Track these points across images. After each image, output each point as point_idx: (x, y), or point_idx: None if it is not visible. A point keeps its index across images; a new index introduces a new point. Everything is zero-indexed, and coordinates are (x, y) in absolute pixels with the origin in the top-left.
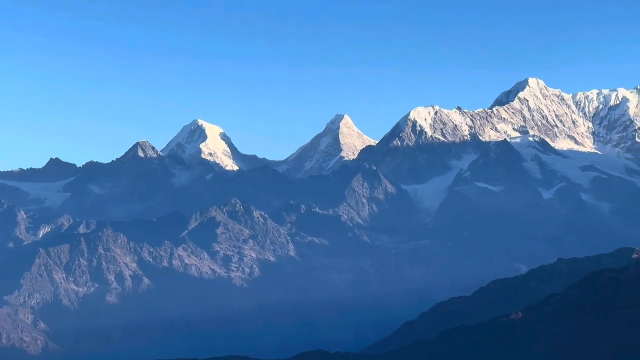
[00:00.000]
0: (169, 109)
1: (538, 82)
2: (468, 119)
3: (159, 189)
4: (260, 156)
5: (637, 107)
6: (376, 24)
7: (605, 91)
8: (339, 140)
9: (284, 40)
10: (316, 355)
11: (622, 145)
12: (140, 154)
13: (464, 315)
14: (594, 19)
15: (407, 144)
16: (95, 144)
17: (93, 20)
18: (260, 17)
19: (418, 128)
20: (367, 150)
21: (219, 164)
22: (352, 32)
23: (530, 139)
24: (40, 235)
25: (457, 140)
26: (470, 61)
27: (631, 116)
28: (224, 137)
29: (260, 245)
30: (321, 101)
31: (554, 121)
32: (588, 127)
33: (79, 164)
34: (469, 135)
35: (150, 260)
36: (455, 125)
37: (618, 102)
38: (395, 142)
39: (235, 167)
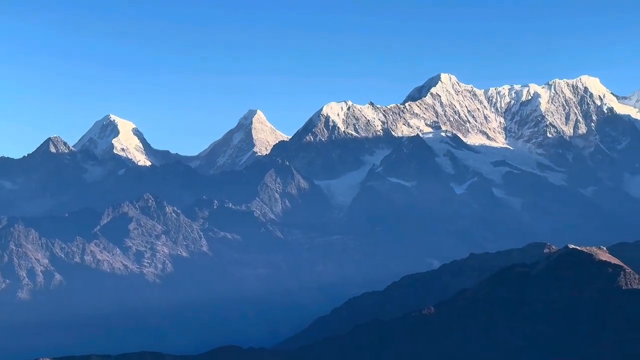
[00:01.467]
0: (81, 104)
1: (450, 78)
2: (381, 115)
3: (71, 185)
4: (173, 152)
5: (548, 102)
6: (289, 23)
7: (517, 87)
8: (251, 135)
9: (195, 37)
10: (229, 351)
11: (534, 140)
12: (52, 149)
13: (376, 310)
14: (506, 15)
15: (319, 139)
16: (7, 139)
17: (4, 16)
18: (171, 18)
19: (331, 123)
20: (280, 146)
21: (131, 159)
22: (266, 28)
23: (443, 134)
24: None
25: (370, 135)
26: (382, 57)
27: (542, 112)
28: (137, 133)
29: (172, 241)
30: (234, 97)
31: (466, 117)
32: (500, 122)
33: None
34: (381, 131)
35: (62, 256)
36: (368, 120)
37: (530, 97)
38: (308, 138)
39: (148, 163)
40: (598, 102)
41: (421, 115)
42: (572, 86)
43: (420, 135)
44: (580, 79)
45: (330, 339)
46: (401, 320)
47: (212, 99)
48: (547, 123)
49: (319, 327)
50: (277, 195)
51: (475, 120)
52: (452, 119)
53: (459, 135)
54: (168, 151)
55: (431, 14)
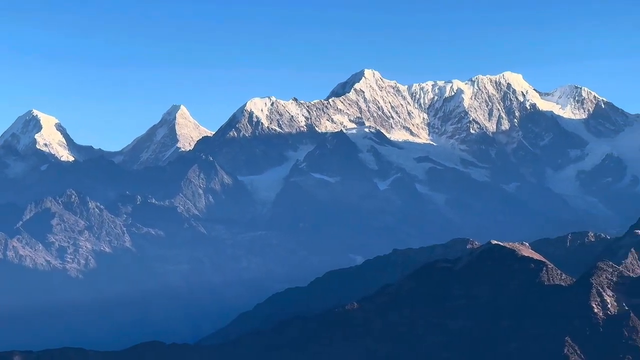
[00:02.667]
0: (3, 99)
1: (374, 74)
2: (304, 110)
3: None
4: (96, 147)
5: (471, 98)
6: (212, 17)
7: (441, 83)
8: (175, 131)
9: (119, 31)
10: (152, 347)
11: (457, 136)
12: None
13: (299, 306)
14: (429, 10)
15: (243, 135)
16: None
17: None
18: (94, 11)
19: (254, 119)
20: (203, 142)
21: (54, 154)
22: (188, 22)
23: (366, 130)
24: None
25: (294, 131)
26: (306, 52)
27: (466, 108)
28: (60, 128)
29: (95, 237)
30: (158, 92)
31: (389, 112)
32: (423, 118)
33: None
34: (305, 127)
35: None
36: (292, 116)
37: (453, 93)
38: (231, 133)
39: (71, 158)
40: (521, 99)
41: (345, 111)
42: (495, 82)
43: (344, 131)
44: (503, 75)
45: (253, 334)
46: (324, 315)
47: (135, 95)
48: (470, 119)
49: (242, 322)
50: (200, 191)
51: (399, 116)
52: (375, 114)
53: (383, 131)
54: (91, 146)
55: (354, 9)
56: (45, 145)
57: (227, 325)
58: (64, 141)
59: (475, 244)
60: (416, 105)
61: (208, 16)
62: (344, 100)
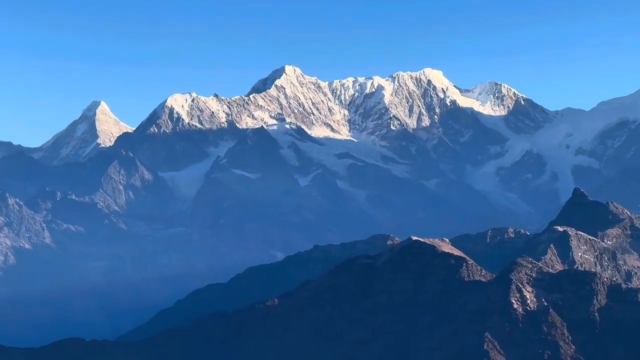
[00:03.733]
0: None
1: (295, 70)
2: (225, 106)
3: None
4: (15, 143)
5: (392, 95)
6: (133, 12)
7: (361, 79)
8: (95, 127)
9: (42, 27)
10: (71, 344)
11: (378, 133)
12: None
13: (220, 302)
14: (350, 7)
15: (164, 131)
16: None
17: None
18: (19, 7)
19: (175, 115)
20: (123, 137)
21: None
22: (110, 17)
23: (287, 126)
24: None
25: (214, 127)
26: (227, 48)
27: (386, 104)
28: None
29: (15, 233)
30: (78, 88)
31: (310, 109)
32: (344, 114)
33: None
34: (226, 123)
35: None
36: (212, 112)
37: (374, 90)
38: (152, 129)
39: None
40: (441, 95)
41: (265, 107)
42: (416, 79)
43: (265, 127)
44: (423, 71)
45: (174, 331)
46: (245, 312)
47: (55, 90)
48: (391, 115)
49: (162, 319)
50: (120, 187)
51: (320, 113)
52: (296, 111)
53: (303, 127)
54: (10, 142)
55: (275, 4)
56: None
57: (147, 321)
58: None
59: (396, 240)
60: (337, 102)
61: (129, 12)
62: (265, 96)
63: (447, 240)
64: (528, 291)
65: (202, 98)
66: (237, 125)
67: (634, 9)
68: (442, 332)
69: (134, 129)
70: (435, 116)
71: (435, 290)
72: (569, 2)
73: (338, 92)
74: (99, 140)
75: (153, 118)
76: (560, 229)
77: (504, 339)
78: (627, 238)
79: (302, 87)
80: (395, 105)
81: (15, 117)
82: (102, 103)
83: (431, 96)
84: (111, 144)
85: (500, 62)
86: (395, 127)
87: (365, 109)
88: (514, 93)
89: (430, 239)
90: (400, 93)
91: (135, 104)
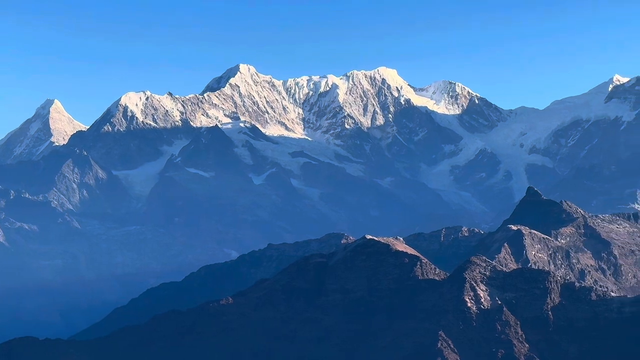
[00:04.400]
0: None
1: (249, 69)
2: (179, 105)
3: None
4: None
5: (346, 94)
6: (85, 10)
7: (316, 78)
8: (49, 125)
9: None
10: (25, 342)
11: (332, 131)
12: None
13: (174, 300)
14: (304, 6)
15: (118, 129)
16: None
17: None
18: None
19: (129, 114)
20: (77, 136)
21: None
22: (63, 16)
23: (241, 125)
24: None
25: (169, 126)
26: (181, 47)
27: (341, 103)
28: None
29: None
30: (31, 86)
31: (264, 107)
32: (298, 113)
33: None
34: (180, 121)
35: None
36: (167, 110)
37: (328, 88)
38: (106, 128)
39: None
40: (395, 94)
41: (220, 106)
42: (370, 78)
43: (219, 125)
44: (378, 70)
45: (128, 329)
46: (199, 310)
47: (9, 88)
48: (345, 114)
49: (116, 317)
50: (74, 186)
51: (274, 111)
52: (250, 109)
53: (258, 126)
54: None
55: (230, 3)
56: None
57: (101, 320)
58: None
59: (350, 239)
60: (291, 100)
61: (83, 10)
62: (219, 95)
63: (401, 239)
64: (482, 290)
65: (157, 96)
66: (192, 123)
67: (587, 10)
68: (396, 331)
69: (88, 127)
70: (390, 115)
71: (389, 289)
72: (523, 2)
73: (292, 91)
74: (52, 139)
75: (107, 116)
76: (514, 227)
77: (457, 338)
78: (581, 237)
79: (256, 85)
80: (350, 104)
81: None
82: (56, 101)
83: (385, 95)
84: (65, 142)
85: (455, 61)
86: (350, 125)
87: (320, 107)
88: (468, 92)
89: (384, 238)
90: (354, 92)
91: (90, 102)
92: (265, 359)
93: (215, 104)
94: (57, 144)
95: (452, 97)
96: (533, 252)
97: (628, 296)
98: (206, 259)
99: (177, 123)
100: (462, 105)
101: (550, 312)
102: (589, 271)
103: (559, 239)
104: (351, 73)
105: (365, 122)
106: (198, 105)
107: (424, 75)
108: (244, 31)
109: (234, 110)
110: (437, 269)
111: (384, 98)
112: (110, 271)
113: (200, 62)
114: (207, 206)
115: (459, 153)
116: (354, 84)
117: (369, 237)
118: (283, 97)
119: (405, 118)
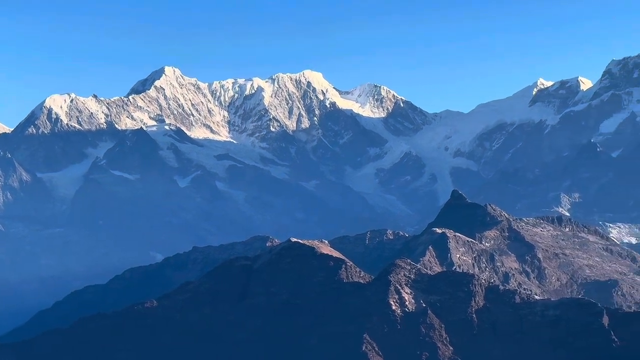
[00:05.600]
0: None
1: (174, 71)
2: (104, 107)
3: None
4: None
5: (271, 96)
6: (10, 14)
7: (241, 81)
8: None
9: None
10: None
11: (257, 134)
12: None
13: (99, 303)
14: (228, 8)
15: (42, 132)
16: None
17: None
18: None
19: (54, 116)
20: (1, 138)
21: None
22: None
23: (167, 127)
24: None
25: (94, 128)
26: (106, 49)
27: (266, 106)
28: None
29: None
30: None
31: (190, 110)
32: (224, 116)
33: None
34: (105, 124)
35: None
36: (92, 113)
37: (253, 91)
38: (30, 130)
39: None
40: (321, 97)
41: (145, 109)
42: (296, 81)
43: (144, 128)
44: (303, 73)
45: (52, 332)
46: (124, 313)
47: None
48: (271, 117)
49: (40, 320)
50: None
51: (199, 114)
52: (176, 112)
53: (183, 128)
54: None
55: (156, 5)
56: None
57: (25, 323)
58: None
59: (275, 242)
60: (216, 103)
61: (8, 11)
62: (144, 97)
63: (326, 241)
64: (406, 293)
65: (81, 99)
66: (116, 126)
67: (512, 15)
68: (321, 334)
69: (12, 129)
70: (315, 118)
71: (314, 291)
72: (448, 5)
73: (218, 94)
74: None
75: (31, 119)
76: (438, 230)
77: (382, 341)
78: (505, 240)
79: (181, 88)
80: (275, 106)
81: None
82: None
83: (311, 98)
84: None
85: (380, 65)
86: (275, 128)
87: (245, 110)
88: (394, 95)
89: (310, 241)
90: (280, 95)
91: (13, 104)
92: None
93: (141, 107)
94: None
95: (377, 100)
96: (457, 255)
97: (552, 299)
98: (131, 261)
99: (102, 125)
100: (388, 109)
101: (474, 315)
102: (513, 274)
103: (483, 242)
104: (276, 76)
105: (291, 125)
106: (123, 108)
107: (349, 78)
108: (170, 34)
109: (159, 112)
110: (362, 272)
111: (309, 101)
112: (35, 274)
113: (126, 65)
114: (132, 209)
115: (384, 156)
116: (280, 87)
117: (294, 240)
118: (208, 99)
119: (330, 121)
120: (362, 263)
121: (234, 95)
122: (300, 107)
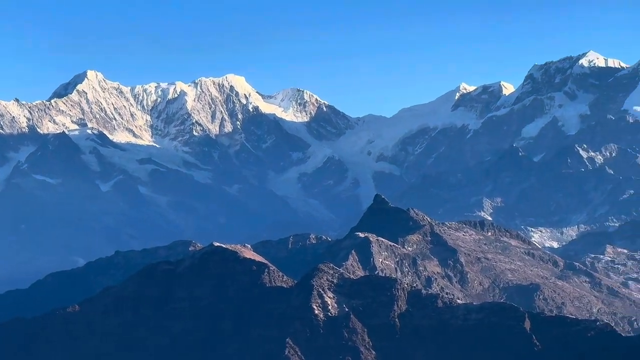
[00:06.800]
0: None
1: (97, 75)
2: (26, 111)
3: None
4: None
5: (194, 101)
6: None
7: (164, 85)
8: None
9: None
10: None
11: (180, 138)
12: None
13: (20, 308)
14: (150, 12)
15: None
16: None
17: None
18: None
19: None
20: None
21: None
22: None
23: (89, 131)
24: None
25: (15, 132)
26: (28, 52)
27: (189, 110)
28: None
29: None
30: None
31: (112, 114)
32: (146, 120)
33: None
34: (26, 127)
35: None
36: (13, 117)
37: (176, 95)
38: None
39: None
40: (244, 101)
41: (67, 112)
42: (218, 85)
43: (66, 132)
44: (226, 77)
45: None
46: (45, 318)
47: None
48: (193, 121)
49: None
50: None
51: (122, 118)
52: (98, 116)
53: (105, 132)
54: None
55: (76, 9)
56: None
57: None
58: None
59: (198, 246)
60: (139, 107)
61: None
62: (67, 101)
63: (249, 246)
64: (329, 297)
65: (3, 102)
66: (38, 130)
67: (435, 20)
68: (244, 338)
69: None
70: (238, 122)
71: (237, 296)
72: (370, 11)
73: (140, 98)
74: None
75: None
76: (361, 235)
77: (305, 345)
78: (427, 244)
79: (104, 92)
80: (198, 111)
81: None
82: None
83: (234, 102)
84: None
85: (303, 69)
86: (198, 132)
87: (168, 114)
88: (316, 99)
89: (232, 245)
90: (202, 99)
91: None
92: None
93: (63, 111)
94: None
95: (300, 104)
96: (380, 260)
97: (474, 303)
98: (53, 266)
99: (23, 129)
100: (310, 113)
101: (397, 319)
102: (436, 278)
103: (406, 247)
104: (199, 80)
105: (214, 129)
106: (45, 112)
107: (272, 82)
108: (92, 38)
109: (82, 116)
110: (285, 277)
111: (232, 105)
112: None
113: (48, 69)
114: (54, 213)
115: (307, 160)
116: (202, 91)
117: (216, 244)
118: (131, 103)
119: (253, 125)
120: (285, 267)
121: (156, 100)
122: (223, 111)
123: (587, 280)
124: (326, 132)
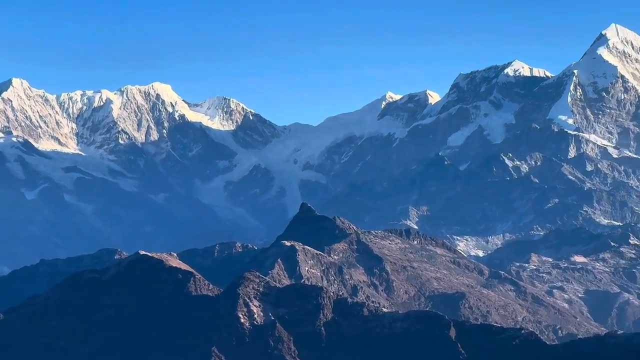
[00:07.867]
0: None
1: (22, 83)
2: None
3: None
4: None
5: (120, 109)
6: None
7: (90, 93)
8: None
9: None
10: None
11: (106, 146)
12: None
13: None
14: (76, 20)
15: None
16: None
17: None
18: None
19: None
20: None
21: None
22: None
23: (14, 139)
24: None
25: None
26: None
27: (115, 118)
28: None
29: None
30: None
31: (37, 122)
32: (72, 128)
33: None
34: None
35: None
36: None
37: (102, 103)
38: None
39: None
40: (170, 109)
41: None
42: (145, 93)
43: None
44: (152, 85)
45: None
46: None
47: None
48: (119, 129)
49: None
50: None
51: (47, 126)
52: (23, 124)
53: (31, 140)
54: None
55: (1, 15)
56: None
57: None
58: None
59: (124, 254)
60: (65, 115)
61: None
62: None
63: (175, 254)
64: (255, 305)
65: None
66: None
67: (361, 27)
68: (169, 347)
69: None
70: (164, 130)
71: (163, 304)
72: (293, 17)
73: (66, 106)
74: None
75: None
76: (287, 243)
77: (230, 354)
78: (353, 252)
79: (29, 100)
80: (124, 119)
81: None
82: None
83: (160, 110)
84: None
85: (229, 77)
86: (124, 141)
87: (94, 122)
88: (243, 108)
89: (158, 254)
90: (128, 107)
91: None
92: None
93: None
94: None
95: (226, 113)
96: (306, 268)
97: (400, 312)
98: None
99: None
100: (237, 121)
101: (322, 328)
102: (362, 287)
103: (332, 255)
104: (125, 88)
105: (140, 137)
106: None
107: (198, 91)
108: (18, 45)
109: (7, 124)
110: (211, 285)
111: (158, 113)
112: None
113: None
114: None
115: (233, 169)
116: (128, 99)
117: (142, 252)
118: (56, 111)
119: (179, 133)
120: (211, 276)
121: (82, 107)
122: (149, 119)
123: (512, 288)
124: (252, 141)
